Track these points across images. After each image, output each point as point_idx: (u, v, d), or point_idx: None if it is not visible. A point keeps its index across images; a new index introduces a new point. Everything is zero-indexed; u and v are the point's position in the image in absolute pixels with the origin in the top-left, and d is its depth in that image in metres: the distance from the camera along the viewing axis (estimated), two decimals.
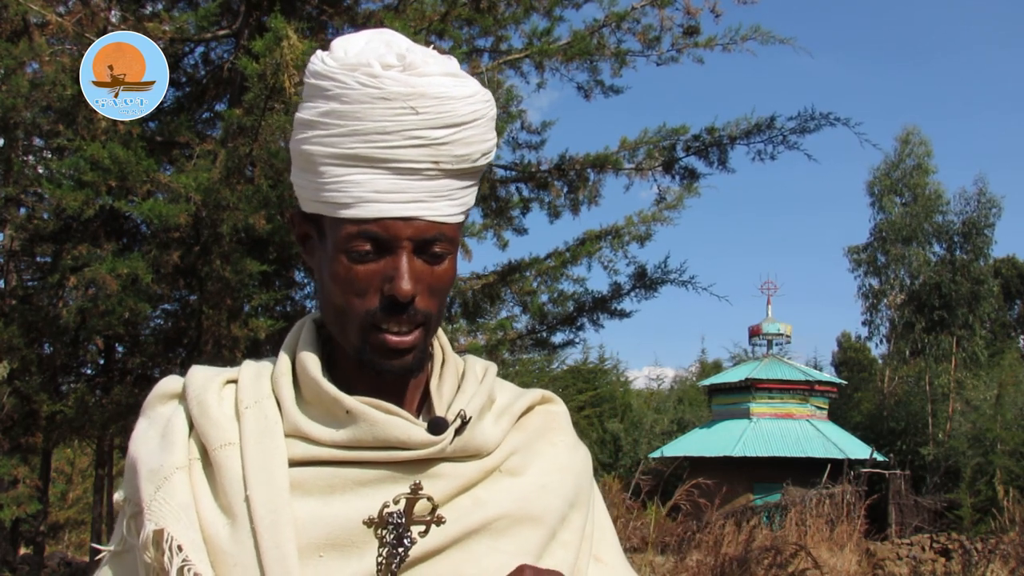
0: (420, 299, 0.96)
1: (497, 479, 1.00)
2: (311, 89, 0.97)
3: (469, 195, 1.00)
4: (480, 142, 0.97)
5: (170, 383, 1.03)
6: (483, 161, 0.99)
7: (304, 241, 1.04)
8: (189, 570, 0.88)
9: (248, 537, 0.90)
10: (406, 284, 0.93)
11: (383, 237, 0.94)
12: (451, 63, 0.98)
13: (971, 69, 59.64)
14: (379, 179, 0.93)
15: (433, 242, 0.95)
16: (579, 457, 1.09)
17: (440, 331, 1.09)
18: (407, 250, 0.94)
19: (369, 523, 0.89)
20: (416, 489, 0.90)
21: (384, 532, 0.88)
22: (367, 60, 0.94)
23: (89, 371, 7.07)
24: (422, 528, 0.90)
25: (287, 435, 0.96)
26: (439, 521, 0.90)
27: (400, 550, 0.88)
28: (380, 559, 0.88)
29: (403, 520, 0.89)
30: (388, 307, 0.94)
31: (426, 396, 1.04)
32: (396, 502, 0.89)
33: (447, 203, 0.96)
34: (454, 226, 0.98)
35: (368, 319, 0.95)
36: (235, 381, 1.02)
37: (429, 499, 0.90)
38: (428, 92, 0.93)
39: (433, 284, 0.97)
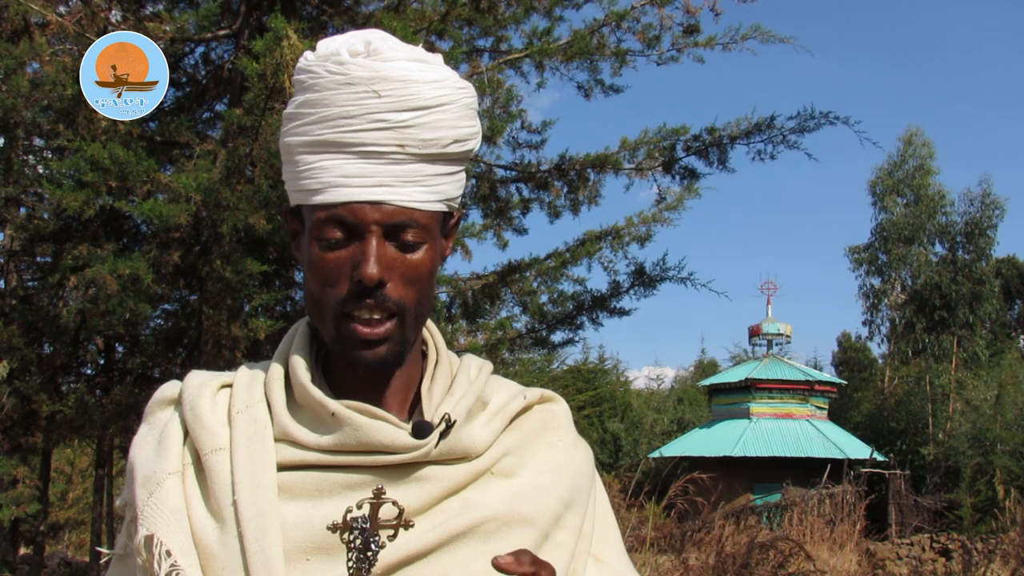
0: (393, 287, 0.95)
1: (488, 481, 0.99)
2: (295, 85, 1.00)
3: (446, 183, 0.99)
4: (450, 128, 0.97)
5: (169, 389, 1.04)
6: (455, 148, 0.98)
7: (294, 237, 1.05)
8: (177, 574, 0.89)
9: (235, 541, 0.90)
10: (372, 268, 0.92)
11: (351, 222, 0.94)
12: (426, 55, 0.99)
13: (975, 70, 59.64)
14: (346, 164, 0.94)
15: (403, 228, 0.95)
16: (578, 456, 1.08)
17: (436, 331, 1.08)
18: (376, 235, 0.94)
19: (333, 528, 0.89)
20: (379, 493, 0.90)
21: (350, 537, 0.89)
22: (336, 50, 0.96)
23: (89, 371, 7.07)
24: (391, 532, 0.90)
25: (277, 439, 0.96)
26: (407, 525, 0.90)
27: (368, 555, 0.88)
28: (350, 564, 0.88)
29: (368, 525, 0.89)
30: (356, 293, 0.94)
31: (419, 398, 1.03)
32: (359, 507, 0.89)
33: (417, 189, 0.96)
34: (428, 214, 0.97)
35: (339, 307, 0.95)
36: (231, 386, 1.02)
37: (395, 503, 0.90)
38: (391, 76, 0.94)
39: (407, 273, 0.96)
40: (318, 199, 0.95)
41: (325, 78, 0.95)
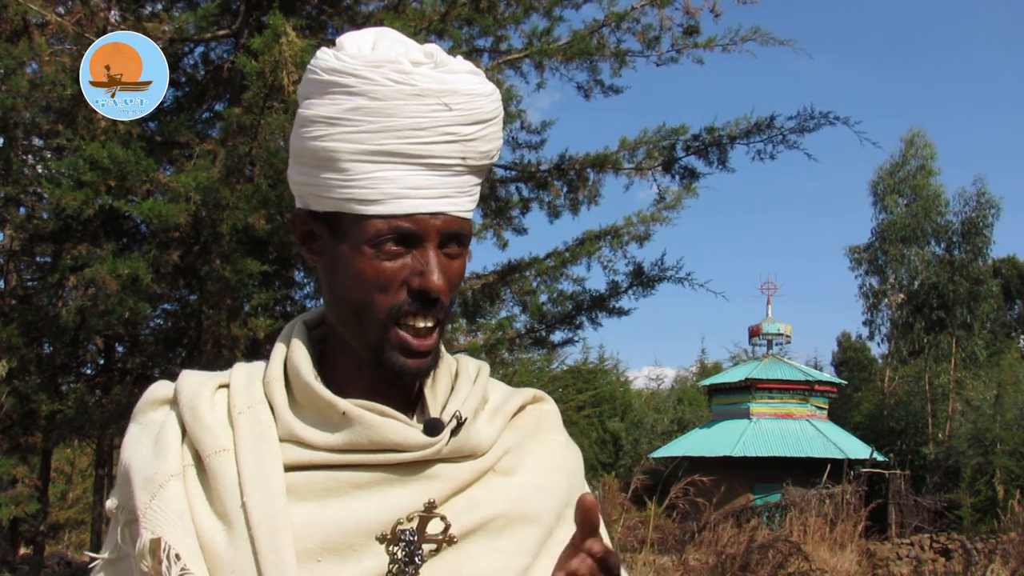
0: (444, 295, 0.96)
1: (491, 479, 1.00)
2: (325, 85, 0.96)
3: (478, 192, 1.02)
4: (498, 139, 1.00)
5: (161, 388, 1.03)
6: (496, 157, 1.02)
7: (309, 240, 1.02)
8: None
9: (246, 544, 0.90)
10: (438, 278, 0.94)
11: (413, 232, 0.94)
12: (469, 63, 1.01)
13: (971, 70, 59.67)
14: (411, 175, 0.94)
15: (456, 237, 0.97)
16: (571, 456, 1.09)
17: None
18: (434, 244, 0.95)
19: (382, 539, 0.89)
20: (430, 507, 0.90)
21: (395, 548, 0.88)
22: (394, 57, 0.95)
23: (89, 371, 7.07)
24: (433, 546, 0.90)
25: (281, 440, 0.96)
26: (451, 541, 0.90)
27: (410, 568, 0.88)
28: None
29: (416, 538, 0.89)
30: (419, 302, 0.95)
31: (419, 396, 1.04)
32: (410, 519, 0.89)
33: (467, 199, 0.98)
34: (470, 222, 1.00)
35: (392, 315, 0.95)
36: (227, 386, 1.02)
37: (443, 518, 0.90)
38: (460, 89, 0.95)
39: (452, 280, 0.98)
40: (379, 209, 0.94)
41: (387, 86, 0.93)
